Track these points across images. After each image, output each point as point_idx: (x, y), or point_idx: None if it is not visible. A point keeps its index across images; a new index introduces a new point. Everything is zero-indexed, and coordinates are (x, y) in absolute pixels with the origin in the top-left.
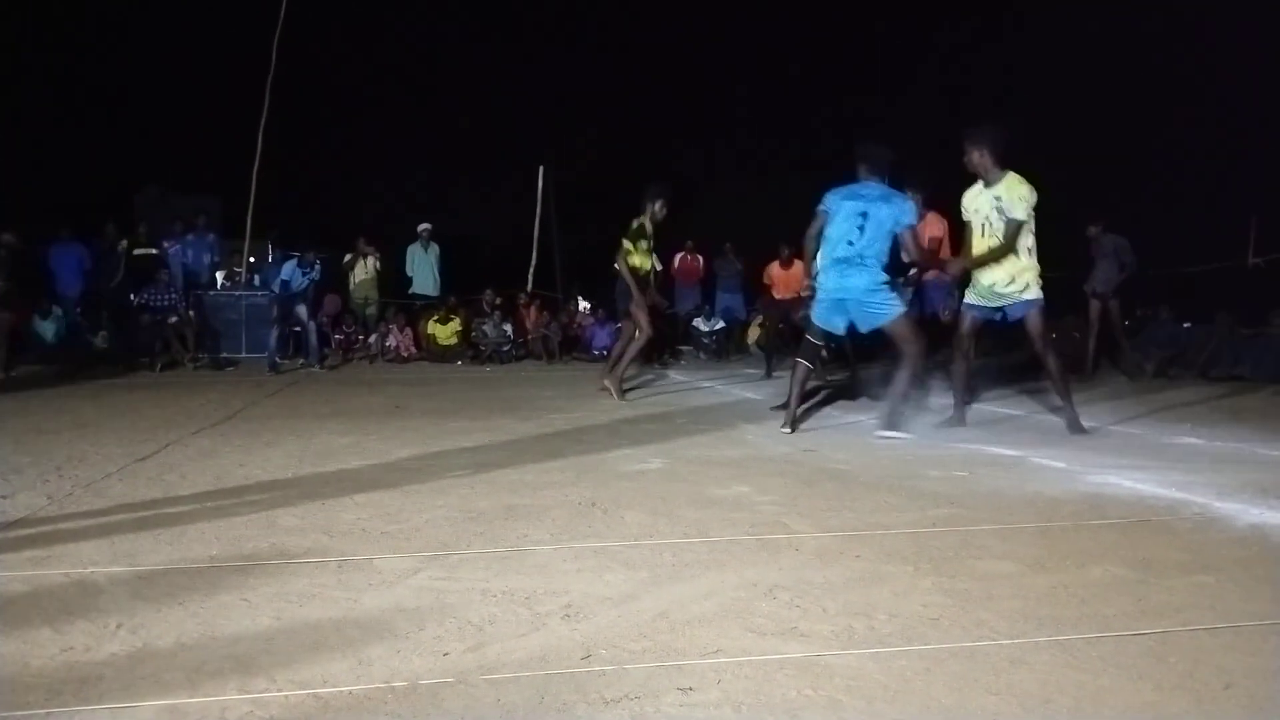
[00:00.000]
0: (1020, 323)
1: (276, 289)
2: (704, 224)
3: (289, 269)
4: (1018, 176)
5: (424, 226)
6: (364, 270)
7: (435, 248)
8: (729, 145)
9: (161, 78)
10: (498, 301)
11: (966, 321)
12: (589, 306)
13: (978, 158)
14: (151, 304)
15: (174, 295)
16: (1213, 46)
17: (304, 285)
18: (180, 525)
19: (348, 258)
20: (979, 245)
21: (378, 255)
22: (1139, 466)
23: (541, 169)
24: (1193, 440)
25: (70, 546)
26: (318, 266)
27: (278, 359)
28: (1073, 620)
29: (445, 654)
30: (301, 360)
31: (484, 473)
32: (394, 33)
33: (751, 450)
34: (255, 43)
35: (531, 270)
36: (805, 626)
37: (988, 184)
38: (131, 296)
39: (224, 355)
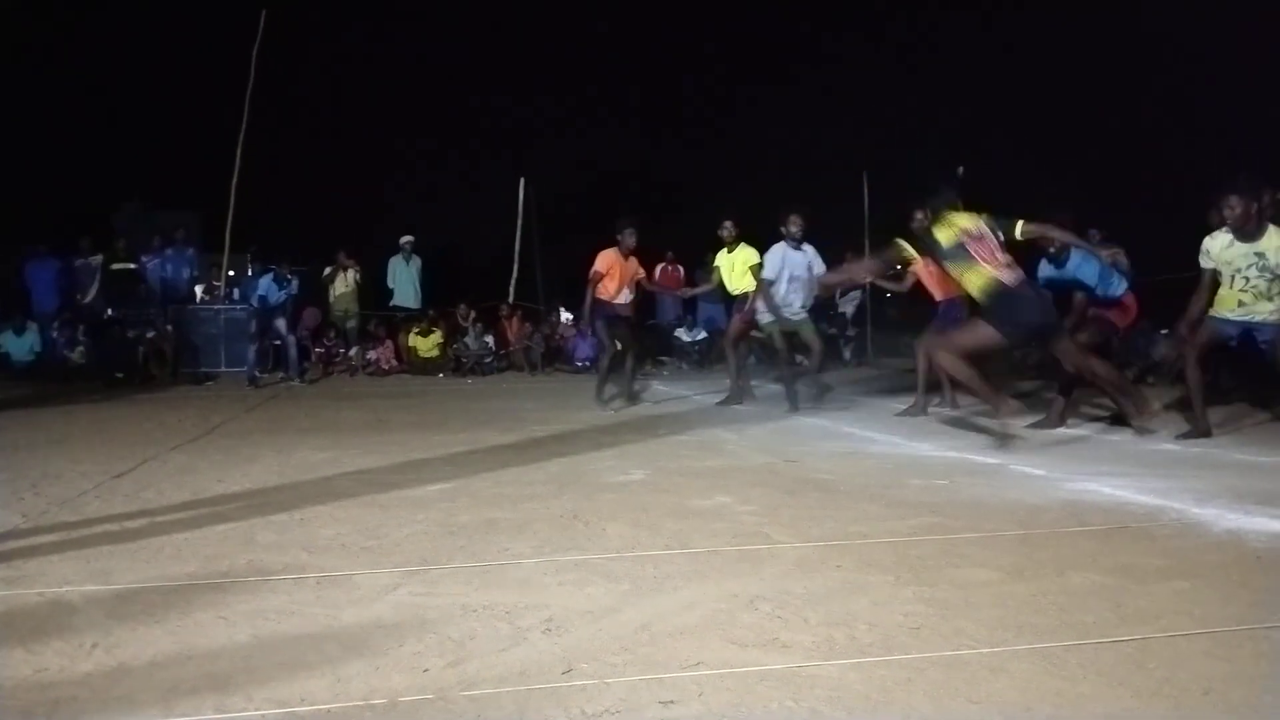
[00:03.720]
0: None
1: (255, 303)
2: (686, 235)
3: (265, 283)
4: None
5: (406, 239)
6: (344, 283)
7: (417, 260)
8: (711, 156)
9: (141, 93)
10: (473, 315)
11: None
12: (571, 318)
13: (1244, 212)
14: (130, 319)
15: (152, 310)
16: (1192, 56)
17: (282, 299)
18: (157, 542)
19: (327, 271)
20: (1226, 296)
21: (358, 268)
22: (1118, 473)
23: (523, 181)
24: (1171, 446)
25: (45, 565)
26: (295, 281)
27: (257, 373)
28: (1052, 628)
29: (425, 670)
30: (281, 374)
31: (465, 486)
32: (375, 46)
33: (733, 460)
34: (234, 57)
35: (513, 282)
36: (786, 637)
37: (1245, 238)
38: (109, 311)
39: (203, 370)
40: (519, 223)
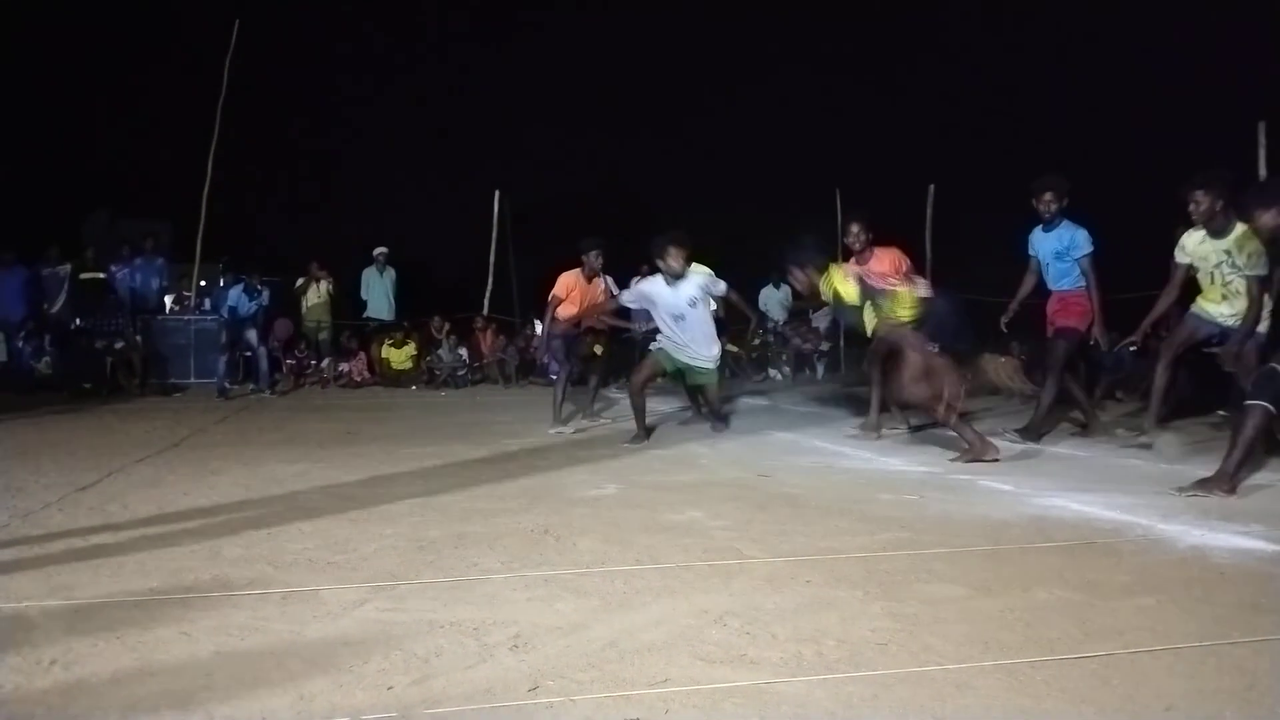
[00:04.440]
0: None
1: (225, 314)
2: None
3: (236, 294)
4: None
5: (380, 250)
6: (317, 294)
7: (391, 272)
8: (688, 169)
9: (111, 101)
10: (446, 327)
11: (1184, 331)
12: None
13: (1210, 207)
14: (98, 329)
15: (121, 320)
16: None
17: (253, 310)
18: (120, 556)
19: (300, 282)
20: (1209, 292)
21: (331, 279)
22: (1084, 489)
23: (497, 193)
24: (1137, 462)
25: (4, 580)
26: (266, 291)
27: (227, 384)
28: (1018, 644)
29: (390, 688)
30: (252, 386)
31: (435, 500)
32: (349, 57)
33: (705, 475)
34: (207, 66)
35: (488, 294)
36: (754, 654)
37: (1214, 234)
38: (77, 321)
39: (172, 381)
40: (494, 235)
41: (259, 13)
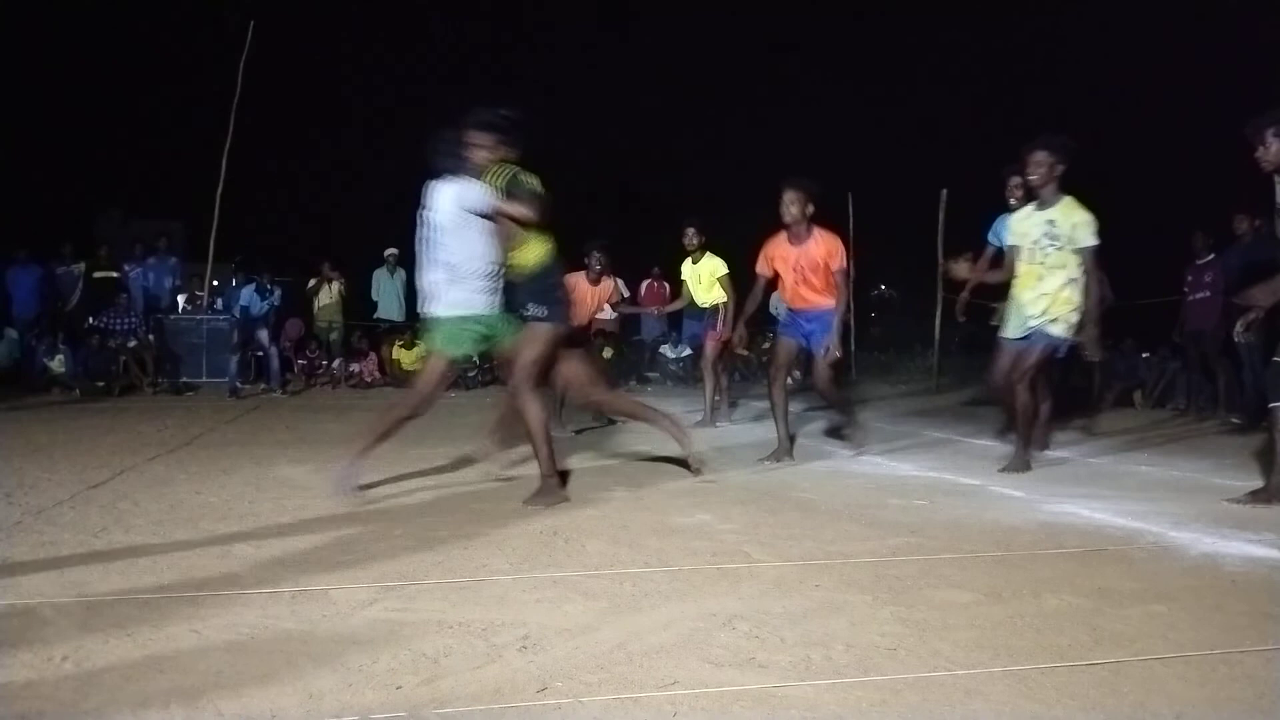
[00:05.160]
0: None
1: (237, 314)
2: (674, 248)
3: (248, 294)
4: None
5: (390, 251)
6: (328, 295)
7: (401, 273)
8: (699, 170)
9: (125, 100)
10: None
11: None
12: None
13: (1045, 173)
14: (111, 327)
15: (134, 319)
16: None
17: (264, 310)
18: (131, 554)
19: (312, 282)
20: (1027, 271)
21: (342, 280)
22: (1096, 496)
23: None
24: (1149, 470)
25: (17, 576)
26: (277, 291)
27: (239, 384)
28: (1028, 650)
29: (398, 687)
30: (263, 386)
31: (444, 501)
32: (360, 58)
33: (714, 478)
34: (220, 67)
35: None
36: (763, 657)
37: (1041, 205)
38: (90, 320)
39: (184, 380)
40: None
41: (273, 13)
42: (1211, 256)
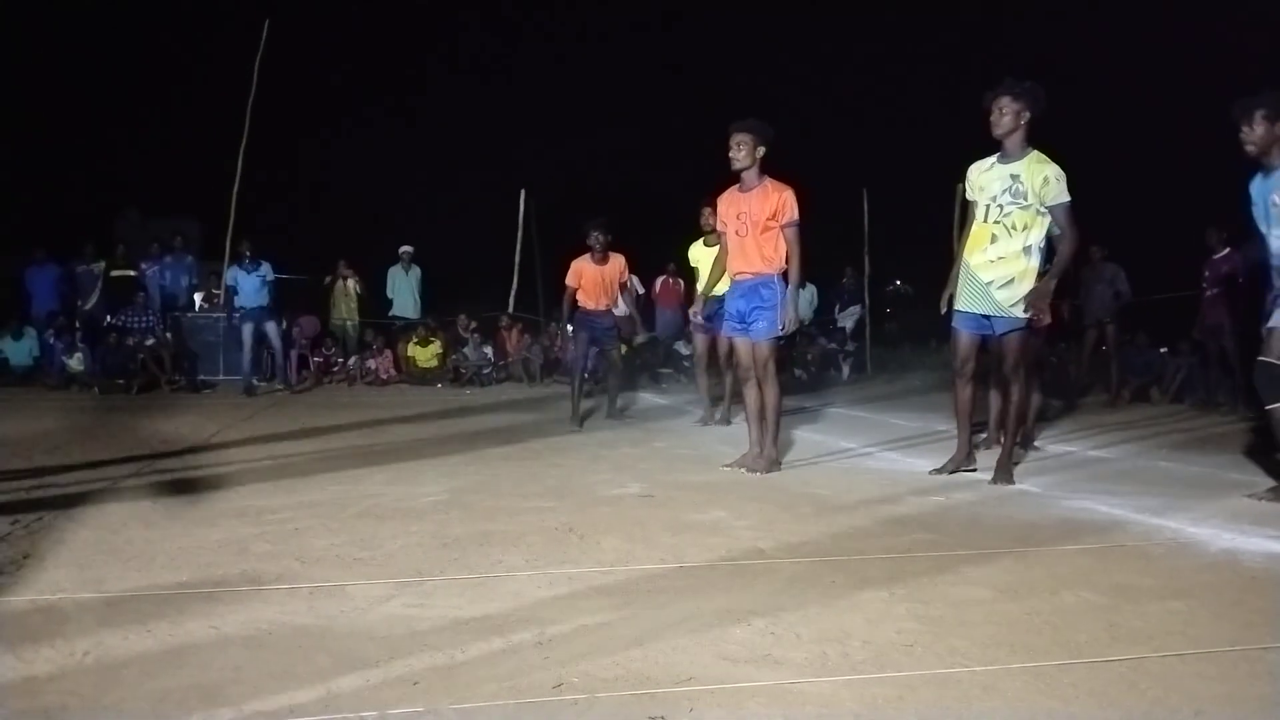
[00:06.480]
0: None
1: (236, 302)
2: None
3: (233, 274)
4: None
5: (405, 249)
6: (344, 293)
7: (417, 270)
8: (712, 168)
9: (143, 100)
10: (473, 325)
11: (961, 343)
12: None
13: (1013, 120)
14: (128, 326)
15: (151, 317)
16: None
17: (258, 288)
18: (150, 551)
19: (328, 280)
20: (979, 232)
21: (357, 278)
22: (1114, 491)
23: (523, 193)
24: (1167, 465)
25: (37, 572)
26: (265, 265)
27: (254, 381)
28: (1045, 647)
29: (415, 683)
30: (279, 383)
31: (460, 498)
32: (376, 56)
33: (730, 474)
34: (236, 65)
35: (513, 293)
36: (779, 653)
37: (1004, 158)
38: (108, 318)
39: (201, 378)
40: (519, 234)
41: (288, 13)
42: (1227, 250)
